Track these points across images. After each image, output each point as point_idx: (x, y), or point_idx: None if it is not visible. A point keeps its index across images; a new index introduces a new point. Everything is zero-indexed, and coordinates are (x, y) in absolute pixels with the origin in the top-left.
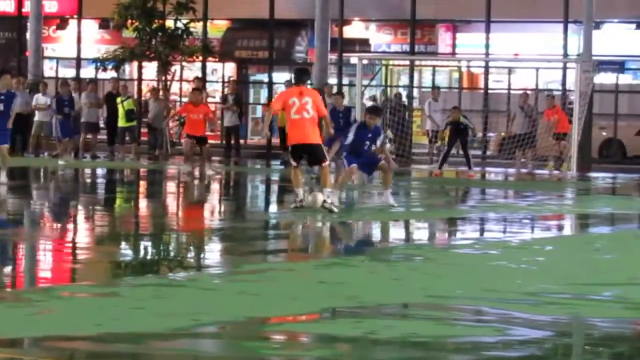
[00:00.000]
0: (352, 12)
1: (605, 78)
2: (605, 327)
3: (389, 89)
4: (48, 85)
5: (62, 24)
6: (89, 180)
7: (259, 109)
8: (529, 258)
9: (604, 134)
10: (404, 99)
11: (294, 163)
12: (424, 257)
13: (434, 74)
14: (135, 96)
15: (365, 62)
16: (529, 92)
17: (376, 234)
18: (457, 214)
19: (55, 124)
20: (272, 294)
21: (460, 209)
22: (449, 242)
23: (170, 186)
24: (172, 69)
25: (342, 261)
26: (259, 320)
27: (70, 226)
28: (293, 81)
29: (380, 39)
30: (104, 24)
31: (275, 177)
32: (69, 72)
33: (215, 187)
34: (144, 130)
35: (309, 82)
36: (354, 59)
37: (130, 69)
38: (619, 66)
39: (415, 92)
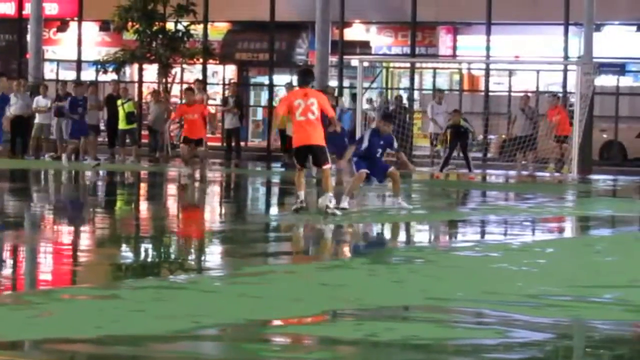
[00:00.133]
0: (352, 14)
1: (606, 80)
2: (606, 329)
3: (389, 91)
4: (48, 88)
5: (63, 26)
6: (88, 183)
7: (260, 111)
8: (529, 260)
9: (604, 136)
10: (405, 101)
11: (298, 166)
12: (424, 259)
13: (434, 77)
14: (136, 99)
15: (366, 64)
16: (529, 94)
17: (377, 236)
18: (457, 216)
19: (67, 124)
20: (273, 296)
21: (461, 211)
22: (449, 244)
23: (171, 189)
24: (173, 71)
25: (342, 263)
26: (260, 322)
27: (71, 228)
28: (297, 83)
29: (381, 41)
30: (104, 26)
31: (275, 179)
32: (69, 75)
33: (214, 189)
34: (144, 132)
35: (313, 83)
36: (354, 61)
37: (130, 72)
38: (619, 68)
39: (416, 94)
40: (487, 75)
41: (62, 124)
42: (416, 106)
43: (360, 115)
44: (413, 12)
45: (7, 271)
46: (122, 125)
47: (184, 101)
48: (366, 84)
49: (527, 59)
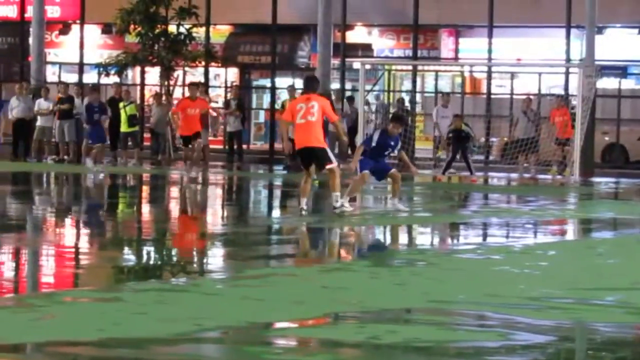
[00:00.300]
0: (354, 17)
1: (607, 83)
2: (607, 332)
3: (391, 94)
4: (50, 91)
5: (65, 29)
6: (91, 186)
7: (262, 114)
8: (531, 263)
9: (606, 138)
10: (407, 104)
11: (303, 170)
12: (426, 262)
13: (436, 79)
14: (138, 101)
15: (367, 67)
16: (531, 96)
17: (379, 238)
18: (459, 218)
19: (87, 130)
20: (275, 299)
21: (462, 214)
22: (451, 247)
23: (173, 191)
24: (175, 74)
25: (344, 266)
26: (262, 325)
27: (73, 231)
28: (303, 89)
29: (383, 43)
30: (106, 29)
31: (278, 182)
32: (71, 77)
33: (216, 191)
34: (146, 135)
35: (318, 89)
36: (356, 64)
37: (132, 74)
38: (621, 71)
39: (418, 97)
40: (489, 78)
41: (64, 126)
42: (418, 109)
43: (362, 118)
44: (415, 15)
45: (10, 274)
46: (124, 128)
47: (187, 95)
48: (368, 87)
49: (529, 62)
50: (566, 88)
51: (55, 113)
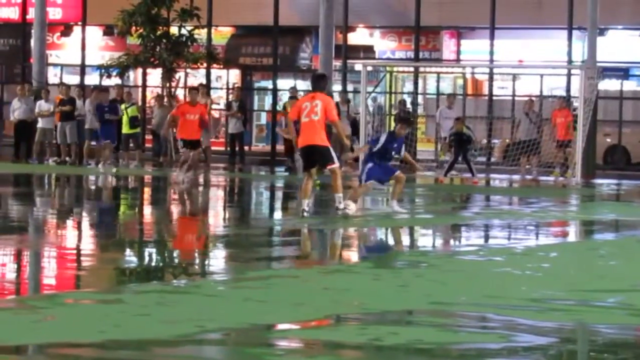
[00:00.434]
0: (356, 18)
1: (609, 84)
2: (609, 333)
3: (393, 95)
4: (50, 92)
5: (67, 30)
6: (92, 187)
7: (264, 115)
8: (533, 264)
9: (608, 140)
10: (408, 105)
11: (305, 170)
12: (428, 263)
13: (438, 81)
14: (140, 103)
15: (369, 68)
16: (533, 98)
17: (380, 240)
18: (461, 220)
19: (98, 130)
20: (277, 300)
21: (464, 216)
22: (453, 248)
23: (175, 193)
24: (177, 75)
25: (346, 268)
26: (264, 326)
27: (74, 233)
28: (311, 87)
29: (385, 45)
30: (108, 31)
31: (279, 183)
32: (73, 79)
33: (218, 193)
34: (148, 137)
35: (325, 87)
36: (358, 65)
37: (134, 76)
38: (623, 73)
39: (420, 98)
40: (491, 80)
41: (66, 128)
42: (420, 110)
43: (364, 119)
44: (417, 17)
45: (11, 275)
46: (125, 129)
47: (187, 99)
48: (370, 88)
49: (530, 64)
50: (568, 90)
51: (55, 114)
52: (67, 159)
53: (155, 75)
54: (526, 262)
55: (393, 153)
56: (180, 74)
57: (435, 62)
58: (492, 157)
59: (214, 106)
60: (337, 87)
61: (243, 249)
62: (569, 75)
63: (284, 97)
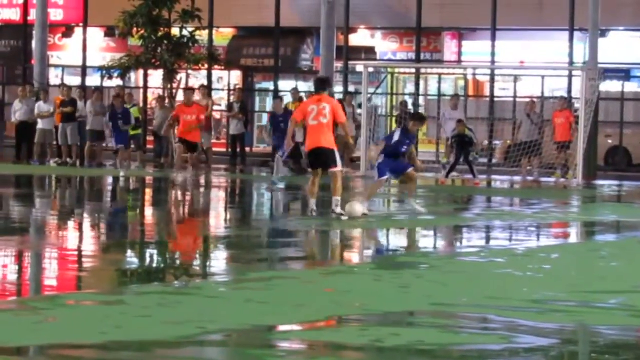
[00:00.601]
0: (357, 20)
1: (611, 86)
2: (610, 334)
3: (394, 96)
4: (49, 93)
5: (68, 32)
6: (94, 188)
7: (265, 117)
8: (534, 266)
9: (609, 141)
10: (410, 106)
11: (310, 171)
12: (429, 264)
13: (439, 82)
14: (141, 104)
15: (371, 70)
16: (535, 99)
17: (382, 241)
18: (462, 221)
19: (110, 135)
20: (278, 301)
21: (466, 217)
22: (454, 249)
23: (176, 194)
24: (178, 77)
25: (347, 269)
26: (265, 328)
27: (76, 234)
28: (314, 90)
29: (386, 46)
30: (109, 32)
31: (280, 185)
32: (74, 80)
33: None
34: (149, 138)
35: (328, 90)
36: (359, 67)
37: (135, 77)
38: (624, 74)
39: (421, 100)
40: (492, 81)
41: (67, 129)
42: (421, 112)
43: (365, 121)
44: (418, 18)
45: (12, 276)
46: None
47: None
48: (371, 90)
49: (532, 65)
50: (569, 91)
51: (56, 116)
52: (69, 160)
53: (156, 77)
54: (527, 264)
55: (405, 148)
56: (181, 75)
57: (437, 63)
58: (493, 159)
59: (215, 107)
60: (338, 88)
61: (244, 250)
62: (570, 76)
63: (286, 98)
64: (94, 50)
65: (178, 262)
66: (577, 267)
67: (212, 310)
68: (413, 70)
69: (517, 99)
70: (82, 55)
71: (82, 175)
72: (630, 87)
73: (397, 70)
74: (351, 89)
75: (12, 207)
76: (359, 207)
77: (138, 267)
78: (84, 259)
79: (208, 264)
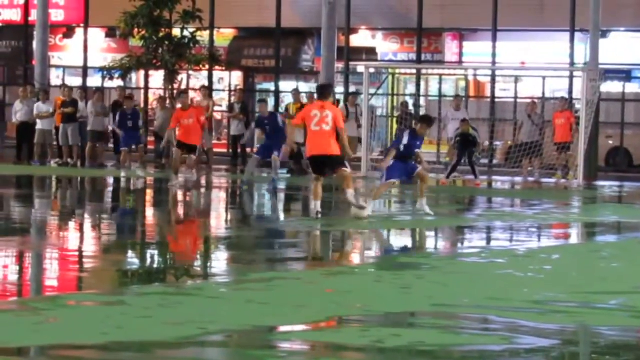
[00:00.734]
0: (358, 20)
1: (611, 87)
2: (611, 335)
3: (395, 97)
4: (49, 93)
5: (69, 32)
6: (95, 189)
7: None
8: (535, 267)
9: (610, 142)
10: (411, 107)
11: (314, 175)
12: (430, 265)
13: (440, 83)
14: (142, 105)
15: (372, 70)
16: (536, 100)
17: (383, 242)
18: (463, 222)
19: (121, 135)
20: (279, 302)
21: (467, 218)
22: (455, 250)
23: (177, 195)
24: (179, 77)
25: (348, 270)
26: (266, 328)
27: (76, 234)
28: (316, 96)
29: (387, 47)
30: (110, 33)
31: (281, 185)
32: (75, 81)
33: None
34: (150, 139)
35: (330, 97)
36: (360, 67)
37: (136, 78)
38: (625, 75)
39: (422, 100)
40: (493, 82)
41: (68, 130)
42: (422, 112)
43: (366, 122)
44: (419, 19)
45: (13, 277)
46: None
47: (179, 106)
48: (372, 90)
49: (533, 66)
50: (570, 92)
51: (57, 116)
52: (69, 160)
53: (157, 77)
54: (528, 264)
55: (416, 150)
56: (182, 76)
57: (438, 64)
58: (494, 159)
59: (216, 108)
60: (339, 89)
61: (245, 250)
62: (571, 77)
63: (286, 99)
64: (95, 51)
65: (179, 262)
66: (577, 268)
67: (213, 311)
68: (414, 71)
69: (518, 100)
70: (83, 55)
71: (82, 176)
72: (631, 87)
73: (398, 71)
74: (352, 89)
75: (12, 207)
76: (365, 211)
77: (139, 267)
78: (84, 260)
79: (209, 264)
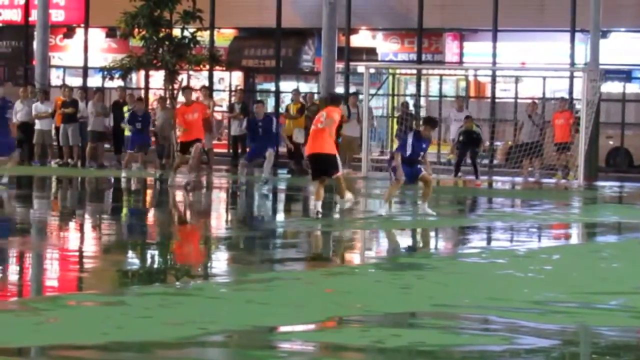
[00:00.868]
0: (359, 21)
1: (612, 87)
2: (611, 335)
3: (395, 97)
4: (48, 93)
5: (69, 32)
6: (95, 189)
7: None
8: (535, 267)
9: (610, 142)
10: (411, 107)
11: (313, 179)
12: (430, 265)
13: (440, 83)
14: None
15: (372, 71)
16: (536, 100)
17: (383, 242)
18: (464, 222)
19: (129, 136)
20: (279, 302)
21: (467, 218)
22: (456, 250)
23: (177, 195)
24: (179, 78)
25: (348, 270)
26: (266, 329)
27: (77, 235)
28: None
29: (387, 47)
30: (110, 33)
31: (282, 185)
32: (75, 81)
33: (221, 195)
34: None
35: (338, 106)
36: (361, 67)
37: (137, 78)
38: (626, 75)
39: (422, 101)
40: (494, 82)
41: (68, 130)
42: (423, 113)
43: (367, 122)
44: (419, 19)
45: (14, 277)
46: (128, 131)
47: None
48: (372, 91)
49: (533, 66)
50: (571, 92)
51: (53, 116)
52: (70, 161)
53: (157, 78)
54: (529, 265)
55: (421, 153)
56: (182, 76)
57: (438, 64)
58: (494, 160)
59: (216, 108)
60: (339, 89)
61: (245, 251)
62: (571, 77)
63: (286, 99)
64: (95, 51)
65: (179, 263)
66: (578, 268)
67: (213, 311)
68: (414, 71)
69: (519, 100)
70: (83, 56)
71: (83, 176)
72: (632, 88)
73: (398, 71)
74: (352, 89)
75: (13, 207)
76: (348, 196)
77: (139, 267)
78: (85, 260)
79: (209, 264)
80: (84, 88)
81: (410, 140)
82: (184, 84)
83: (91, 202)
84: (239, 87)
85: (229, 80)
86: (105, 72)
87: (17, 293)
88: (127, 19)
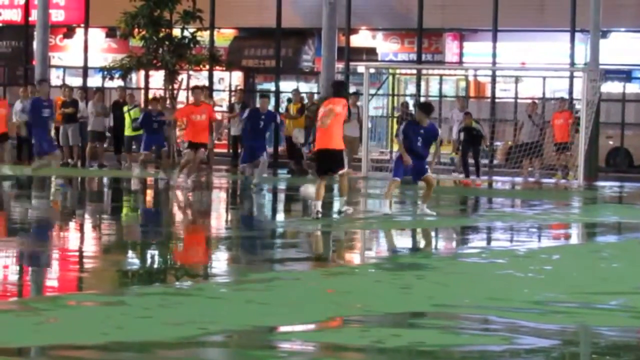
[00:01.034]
0: (359, 21)
1: (612, 87)
2: (612, 335)
3: (396, 97)
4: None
5: (69, 32)
6: (95, 189)
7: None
8: (535, 267)
9: (610, 142)
10: (411, 108)
11: (319, 175)
12: (430, 265)
13: (440, 83)
14: (142, 105)
15: (372, 71)
16: (536, 101)
17: (383, 242)
18: (464, 222)
19: (142, 137)
20: (279, 302)
21: (467, 218)
22: (456, 250)
23: (177, 195)
24: (179, 78)
25: (348, 270)
26: (266, 329)
27: (77, 235)
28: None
29: (387, 47)
30: (110, 33)
31: (282, 186)
32: (75, 81)
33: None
34: None
35: (344, 94)
36: (361, 67)
37: (137, 78)
38: (625, 75)
39: (422, 101)
40: (494, 82)
41: (68, 130)
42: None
43: (366, 122)
44: (419, 19)
45: (13, 277)
46: (128, 131)
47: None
48: (372, 91)
49: (533, 66)
50: (570, 92)
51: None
52: (70, 160)
53: (157, 78)
54: (528, 265)
55: (420, 139)
56: (182, 76)
57: (438, 64)
58: (494, 160)
59: (216, 108)
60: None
61: (245, 251)
62: (571, 77)
63: (286, 99)
64: (95, 51)
65: (179, 263)
66: (578, 268)
67: (213, 311)
68: (414, 71)
69: (519, 100)
70: (83, 56)
71: (83, 176)
72: (632, 88)
73: (398, 71)
74: (352, 89)
75: (13, 207)
76: (311, 189)
77: (139, 267)
78: (85, 260)
79: (209, 264)
80: (84, 88)
81: (401, 129)
82: (184, 84)
83: (91, 202)
84: (239, 87)
85: (229, 80)
86: (105, 72)
87: (17, 293)
88: (127, 19)
